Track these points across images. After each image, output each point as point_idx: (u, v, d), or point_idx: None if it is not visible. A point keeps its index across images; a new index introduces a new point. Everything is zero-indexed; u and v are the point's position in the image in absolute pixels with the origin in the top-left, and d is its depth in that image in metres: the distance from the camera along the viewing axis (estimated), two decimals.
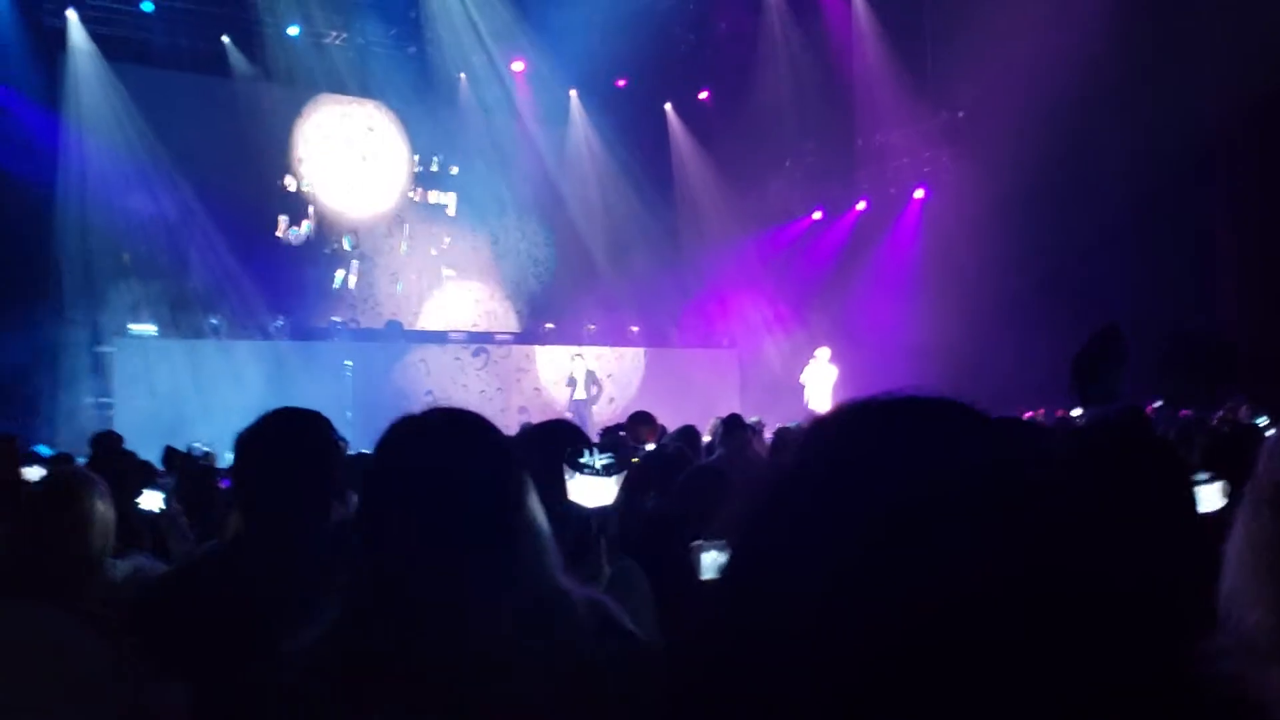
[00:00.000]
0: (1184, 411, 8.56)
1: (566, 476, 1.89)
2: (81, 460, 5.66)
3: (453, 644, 1.20)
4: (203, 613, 1.73)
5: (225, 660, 1.31)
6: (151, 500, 3.17)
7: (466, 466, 1.29)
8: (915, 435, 0.60)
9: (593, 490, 1.87)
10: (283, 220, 14.92)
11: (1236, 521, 1.00)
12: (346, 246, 14.71)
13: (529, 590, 1.26)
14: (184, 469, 6.10)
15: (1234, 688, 0.90)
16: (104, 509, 2.09)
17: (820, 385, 14.22)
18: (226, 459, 9.47)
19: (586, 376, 14.54)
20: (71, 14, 13.07)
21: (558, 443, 2.21)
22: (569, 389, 14.44)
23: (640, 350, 15.83)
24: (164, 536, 3.25)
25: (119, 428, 11.00)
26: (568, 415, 12.72)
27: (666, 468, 4.37)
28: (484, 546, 1.24)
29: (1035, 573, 0.55)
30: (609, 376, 15.25)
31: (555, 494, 1.84)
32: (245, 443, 1.98)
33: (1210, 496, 1.94)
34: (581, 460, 1.89)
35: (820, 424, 0.64)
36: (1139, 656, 0.56)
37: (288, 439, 1.99)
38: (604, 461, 1.90)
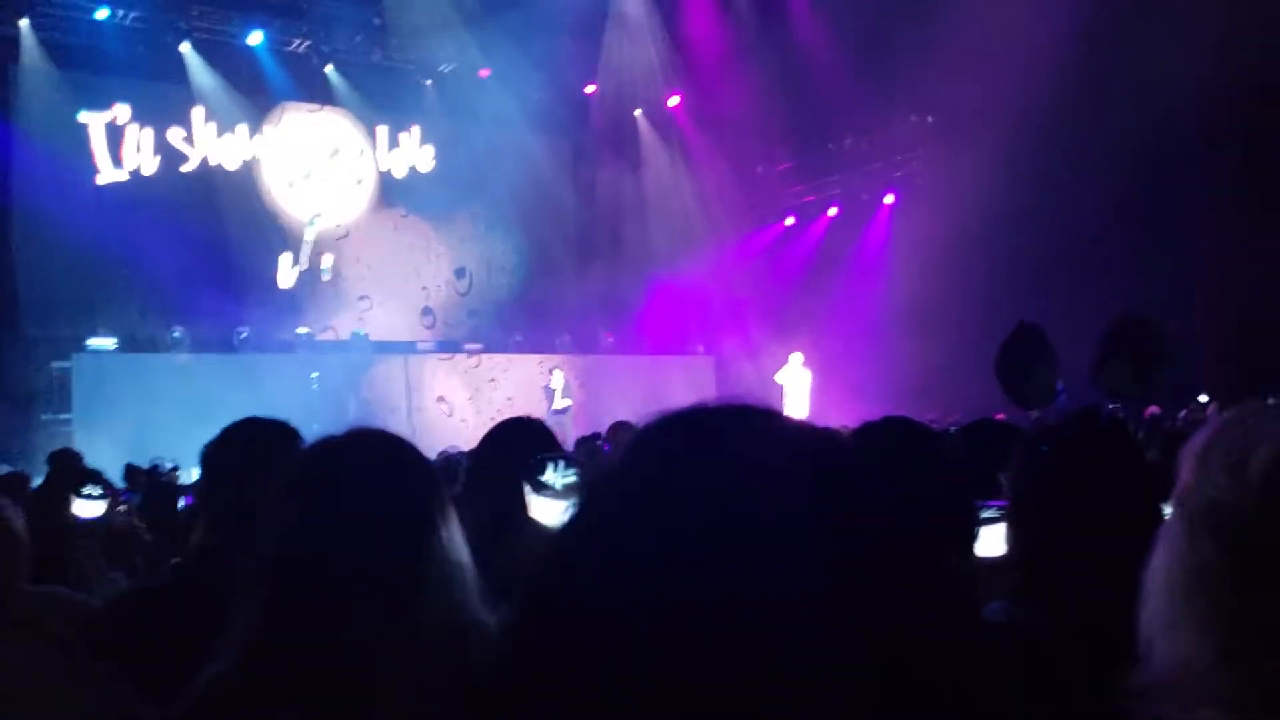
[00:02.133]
0: (1151, 409, 8.59)
1: (526, 494, 1.81)
2: (38, 479, 5.43)
3: (343, 683, 1.16)
4: (170, 631, 1.66)
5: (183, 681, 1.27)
6: (88, 508, 2.97)
7: (377, 491, 1.25)
8: (723, 440, 0.63)
9: (554, 512, 1.79)
10: (285, 260, 14.63)
11: (1162, 540, 0.88)
12: (309, 237, 14.31)
13: (432, 621, 1.21)
14: (147, 486, 5.86)
15: None
16: (13, 531, 1.95)
17: (795, 390, 14.20)
18: (192, 475, 9.21)
19: (564, 387, 14.34)
20: (24, 23, 12.71)
21: (520, 443, 2.13)
22: (546, 399, 14.23)
23: (605, 358, 15.72)
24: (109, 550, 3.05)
25: (78, 445, 10.68)
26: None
27: None
28: (382, 584, 1.21)
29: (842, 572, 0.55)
30: (581, 385, 15.10)
31: (517, 496, 1.81)
32: (212, 454, 1.95)
33: (991, 539, 1.85)
34: (542, 479, 1.81)
35: (647, 429, 0.65)
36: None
37: (255, 450, 1.93)
38: (565, 481, 1.82)
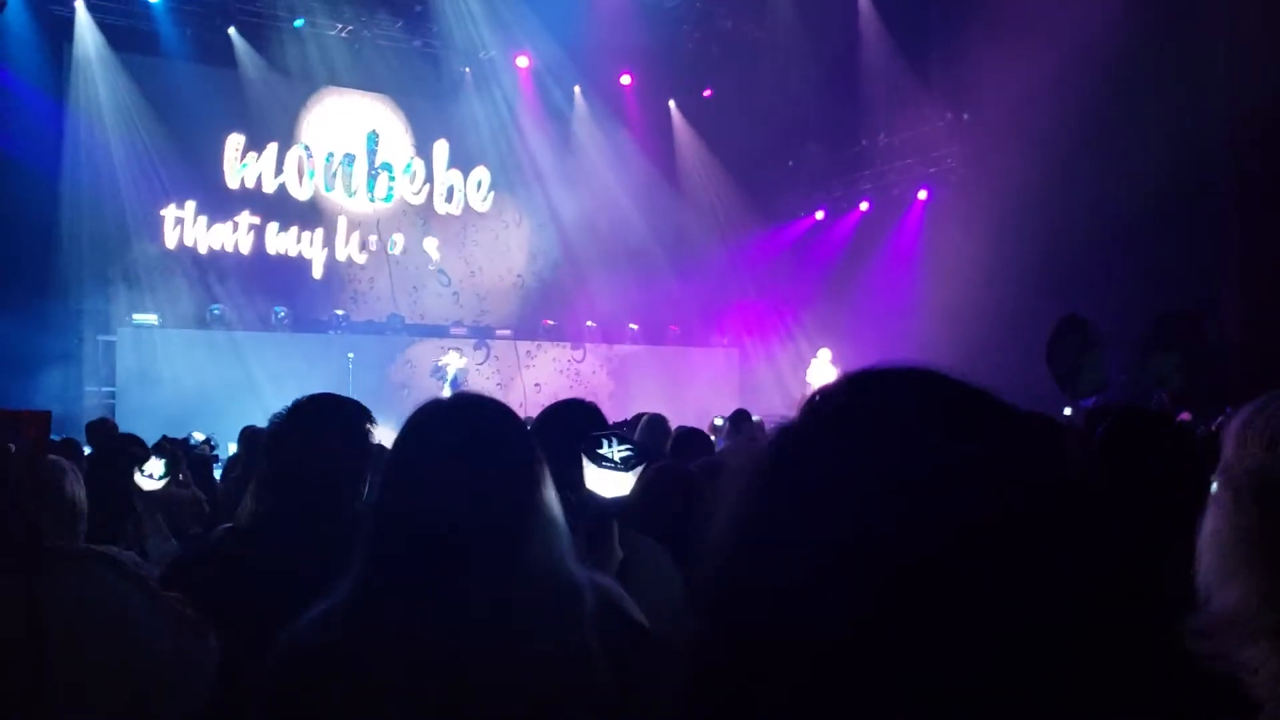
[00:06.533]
0: (1183, 415, 8.60)
1: (585, 466, 1.89)
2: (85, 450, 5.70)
3: (454, 627, 1.23)
4: (239, 579, 1.76)
5: (256, 626, 1.34)
6: (149, 484, 3.13)
7: (484, 453, 1.31)
8: (918, 410, 0.62)
9: (610, 483, 1.88)
10: (353, 237, 14.89)
11: (1211, 507, 1.03)
12: (388, 250, 14.22)
13: (537, 577, 1.28)
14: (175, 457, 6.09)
15: (1214, 664, 0.94)
16: (76, 491, 2.10)
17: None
18: (227, 449, 9.51)
19: (458, 375, 13.60)
20: (79, 4, 13.08)
21: (575, 421, 2.24)
22: (437, 382, 13.45)
23: (631, 348, 15.86)
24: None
25: (121, 416, 11.06)
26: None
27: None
28: (494, 532, 1.27)
29: (1025, 550, 0.56)
30: (609, 374, 15.26)
31: (572, 475, 1.86)
32: (288, 420, 2.01)
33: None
34: (600, 452, 1.88)
35: (825, 392, 0.66)
36: (1125, 632, 0.58)
37: (330, 419, 2.01)
38: (623, 454, 1.90)
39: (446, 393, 12.98)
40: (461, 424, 1.36)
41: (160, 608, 1.35)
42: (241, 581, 1.76)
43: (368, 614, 1.26)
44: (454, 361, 13.56)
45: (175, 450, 5.13)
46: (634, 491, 1.91)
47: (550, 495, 1.34)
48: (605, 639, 1.30)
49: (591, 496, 1.88)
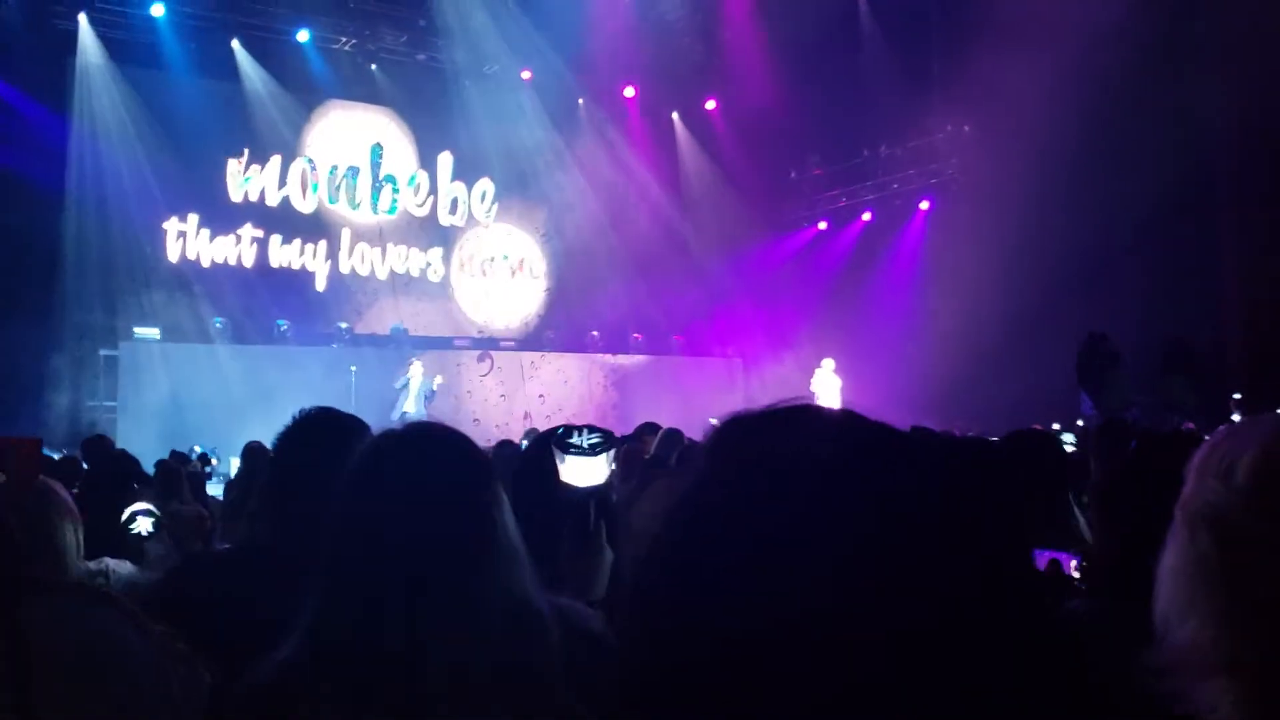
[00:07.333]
0: (1187, 425, 8.57)
1: (557, 460, 1.90)
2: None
3: (411, 664, 1.21)
4: (232, 606, 1.73)
5: (249, 656, 1.33)
6: (140, 533, 3.14)
7: (437, 484, 1.31)
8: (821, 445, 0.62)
9: (583, 470, 1.90)
10: (357, 249, 14.94)
11: (1169, 541, 1.01)
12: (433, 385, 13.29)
13: (496, 607, 1.27)
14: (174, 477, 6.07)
15: (1173, 704, 0.92)
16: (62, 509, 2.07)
17: (826, 397, 14.22)
18: (229, 463, 9.49)
19: (423, 391, 12.97)
20: (82, 18, 13.11)
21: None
22: (399, 393, 12.94)
23: (635, 359, 15.85)
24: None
25: (122, 430, 11.05)
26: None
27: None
28: (450, 564, 1.26)
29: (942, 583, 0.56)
30: (613, 385, 15.22)
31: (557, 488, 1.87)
32: (287, 438, 1.98)
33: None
34: (570, 441, 1.90)
35: (722, 433, 0.65)
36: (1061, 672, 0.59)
37: (328, 437, 1.97)
38: (591, 440, 1.92)
39: (410, 406, 12.44)
40: (411, 454, 1.35)
41: (152, 643, 1.32)
42: (236, 608, 1.74)
43: (323, 652, 1.25)
44: (416, 374, 13.06)
45: (177, 468, 5.12)
46: (609, 479, 1.93)
47: (508, 522, 1.33)
48: (572, 664, 1.28)
49: (569, 490, 1.88)
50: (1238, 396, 9.71)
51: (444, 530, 1.27)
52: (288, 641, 1.28)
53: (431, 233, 15.92)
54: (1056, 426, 8.66)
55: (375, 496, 1.31)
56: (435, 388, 13.05)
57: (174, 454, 7.15)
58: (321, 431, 2.00)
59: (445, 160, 15.94)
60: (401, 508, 1.28)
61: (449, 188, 16.05)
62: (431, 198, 15.92)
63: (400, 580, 1.24)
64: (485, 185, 16.17)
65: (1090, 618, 1.60)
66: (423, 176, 15.84)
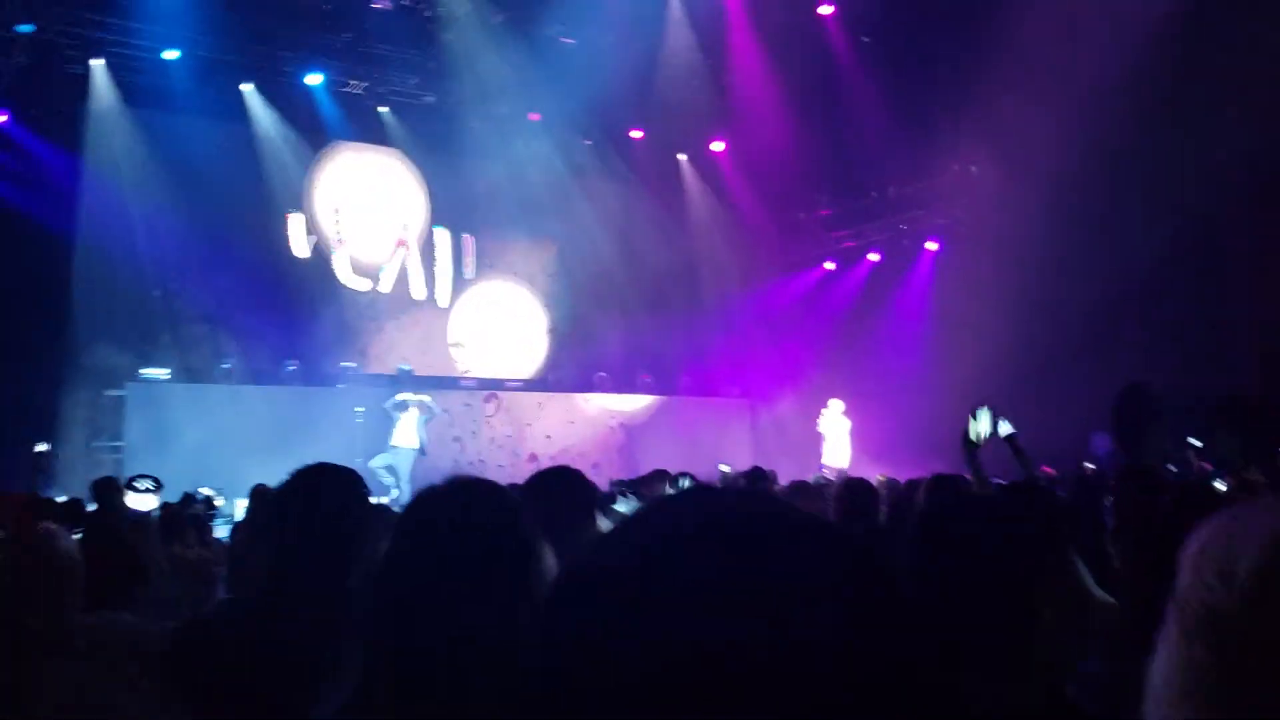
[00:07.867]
0: (1205, 465, 8.46)
1: (600, 524, 1.95)
2: (91, 507, 5.60)
3: (460, 708, 1.24)
4: (239, 663, 1.76)
5: (255, 709, 1.33)
6: (140, 501, 3.08)
7: (478, 537, 1.34)
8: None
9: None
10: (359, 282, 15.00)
11: (1163, 642, 0.95)
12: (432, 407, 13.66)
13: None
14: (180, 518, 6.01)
15: None
16: (63, 558, 2.07)
17: (835, 437, 14.12)
18: (236, 506, 9.41)
19: (420, 423, 12.83)
20: (96, 61, 13.25)
21: (562, 490, 2.28)
22: (392, 412, 12.82)
23: (644, 400, 15.79)
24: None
25: (130, 472, 10.95)
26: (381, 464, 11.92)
27: None
28: (495, 613, 1.29)
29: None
30: (620, 425, 15.14)
31: (562, 541, 1.86)
32: (284, 500, 2.07)
33: None
34: (614, 508, 2.03)
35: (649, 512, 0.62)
36: None
37: (328, 498, 2.06)
38: (631, 508, 1.95)
39: (408, 438, 12.36)
40: (452, 508, 1.39)
41: (148, 702, 1.29)
42: (242, 662, 1.74)
43: (374, 696, 1.28)
44: (410, 399, 12.98)
45: (179, 511, 5.05)
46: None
47: (547, 569, 1.36)
48: None
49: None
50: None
51: (490, 587, 1.31)
52: (338, 701, 1.31)
53: (441, 273, 15.97)
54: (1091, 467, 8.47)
55: (423, 549, 1.35)
56: (432, 404, 13.13)
57: (185, 496, 7.09)
58: (321, 488, 2.08)
59: (454, 201, 15.99)
60: (447, 560, 1.32)
61: (458, 227, 16.12)
62: (441, 237, 16.01)
63: (444, 640, 1.27)
64: (494, 226, 16.22)
65: (1111, 682, 1.52)
66: (432, 217, 15.92)
